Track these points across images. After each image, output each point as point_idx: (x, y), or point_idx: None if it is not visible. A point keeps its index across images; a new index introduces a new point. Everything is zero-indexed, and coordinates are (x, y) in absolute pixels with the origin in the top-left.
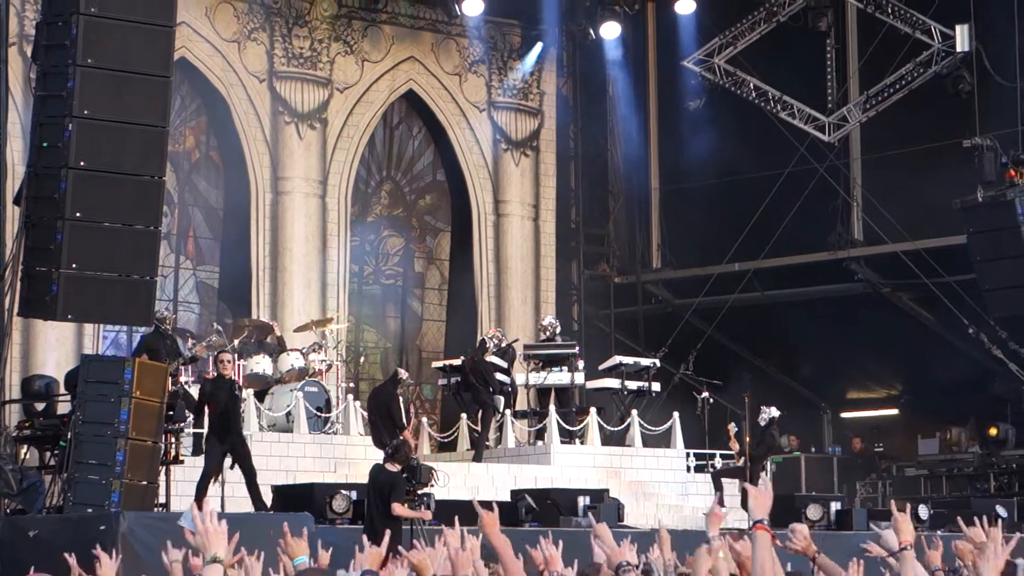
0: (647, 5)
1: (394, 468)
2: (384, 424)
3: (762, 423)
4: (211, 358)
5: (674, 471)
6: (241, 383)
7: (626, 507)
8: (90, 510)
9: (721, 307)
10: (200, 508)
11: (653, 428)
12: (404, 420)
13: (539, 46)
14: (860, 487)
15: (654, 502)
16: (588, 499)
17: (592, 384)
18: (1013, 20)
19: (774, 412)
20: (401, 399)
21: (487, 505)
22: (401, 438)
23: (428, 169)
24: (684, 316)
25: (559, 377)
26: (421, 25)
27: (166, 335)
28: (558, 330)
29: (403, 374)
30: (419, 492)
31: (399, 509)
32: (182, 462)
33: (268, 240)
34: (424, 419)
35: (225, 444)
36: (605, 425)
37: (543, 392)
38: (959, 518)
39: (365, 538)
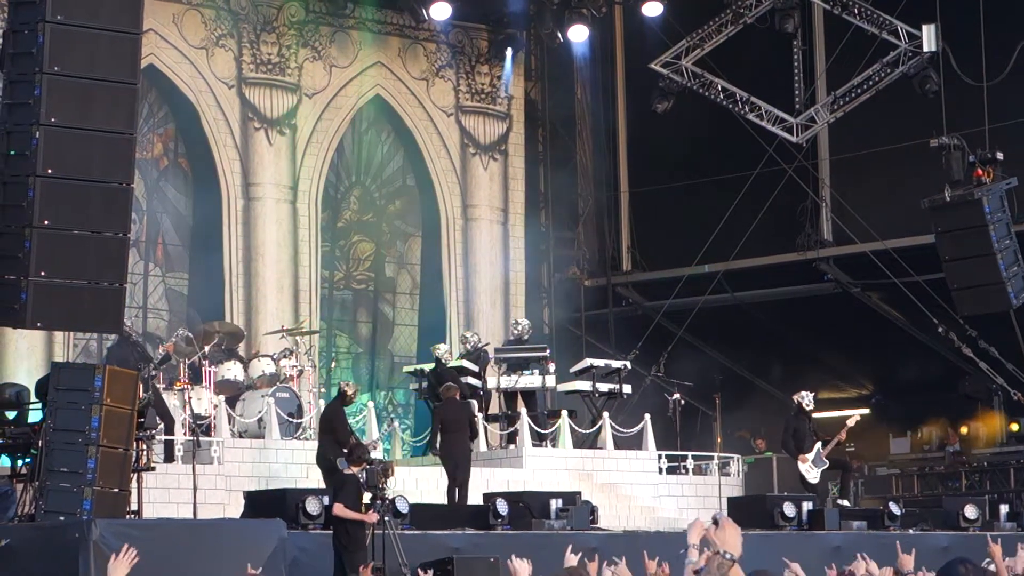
0: (614, 8)
1: (351, 471)
2: (324, 439)
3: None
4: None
5: (646, 473)
6: (212, 389)
7: (599, 509)
8: (62, 518)
9: (691, 309)
10: None
11: (625, 430)
12: (347, 435)
13: (510, 52)
14: (832, 487)
15: (627, 504)
16: (560, 502)
17: (563, 387)
18: (979, 19)
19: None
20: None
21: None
22: (353, 441)
23: (398, 174)
24: (655, 318)
25: (530, 380)
26: (388, 30)
27: (133, 343)
28: (529, 331)
29: (348, 389)
30: (381, 494)
31: (339, 510)
32: (153, 469)
33: (240, 246)
34: (397, 423)
35: None
36: (577, 428)
37: (510, 395)
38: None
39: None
